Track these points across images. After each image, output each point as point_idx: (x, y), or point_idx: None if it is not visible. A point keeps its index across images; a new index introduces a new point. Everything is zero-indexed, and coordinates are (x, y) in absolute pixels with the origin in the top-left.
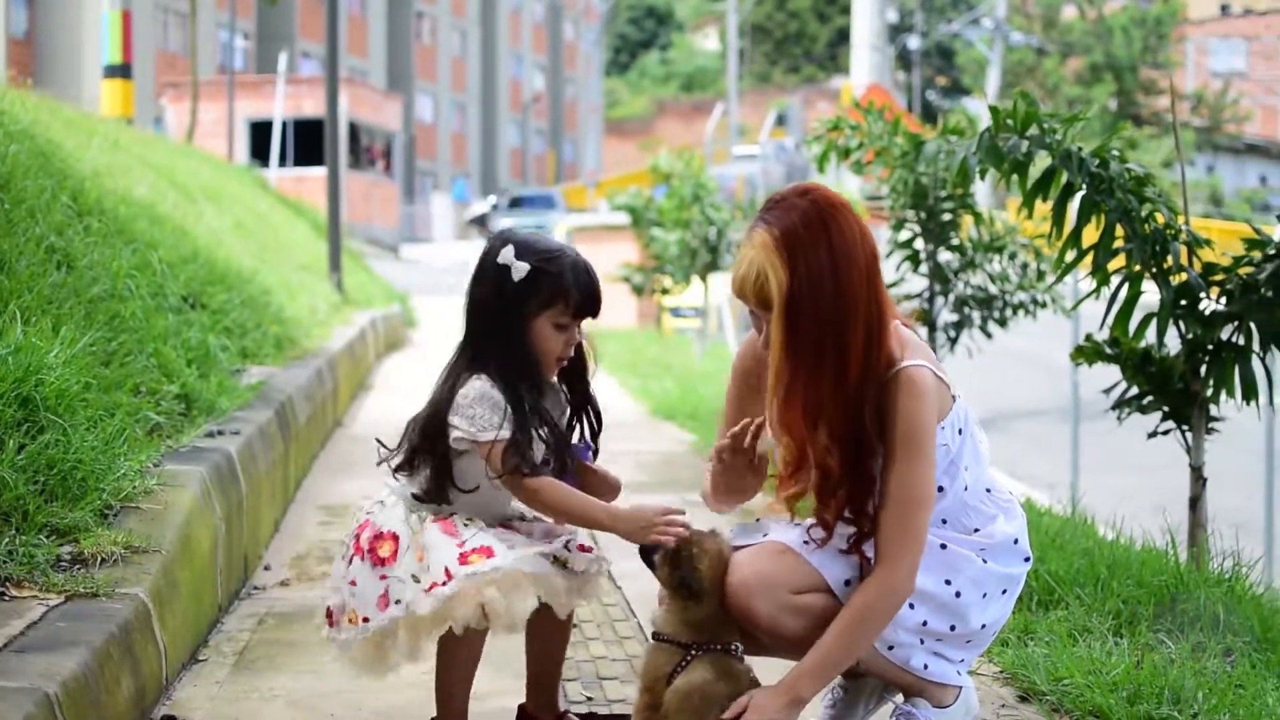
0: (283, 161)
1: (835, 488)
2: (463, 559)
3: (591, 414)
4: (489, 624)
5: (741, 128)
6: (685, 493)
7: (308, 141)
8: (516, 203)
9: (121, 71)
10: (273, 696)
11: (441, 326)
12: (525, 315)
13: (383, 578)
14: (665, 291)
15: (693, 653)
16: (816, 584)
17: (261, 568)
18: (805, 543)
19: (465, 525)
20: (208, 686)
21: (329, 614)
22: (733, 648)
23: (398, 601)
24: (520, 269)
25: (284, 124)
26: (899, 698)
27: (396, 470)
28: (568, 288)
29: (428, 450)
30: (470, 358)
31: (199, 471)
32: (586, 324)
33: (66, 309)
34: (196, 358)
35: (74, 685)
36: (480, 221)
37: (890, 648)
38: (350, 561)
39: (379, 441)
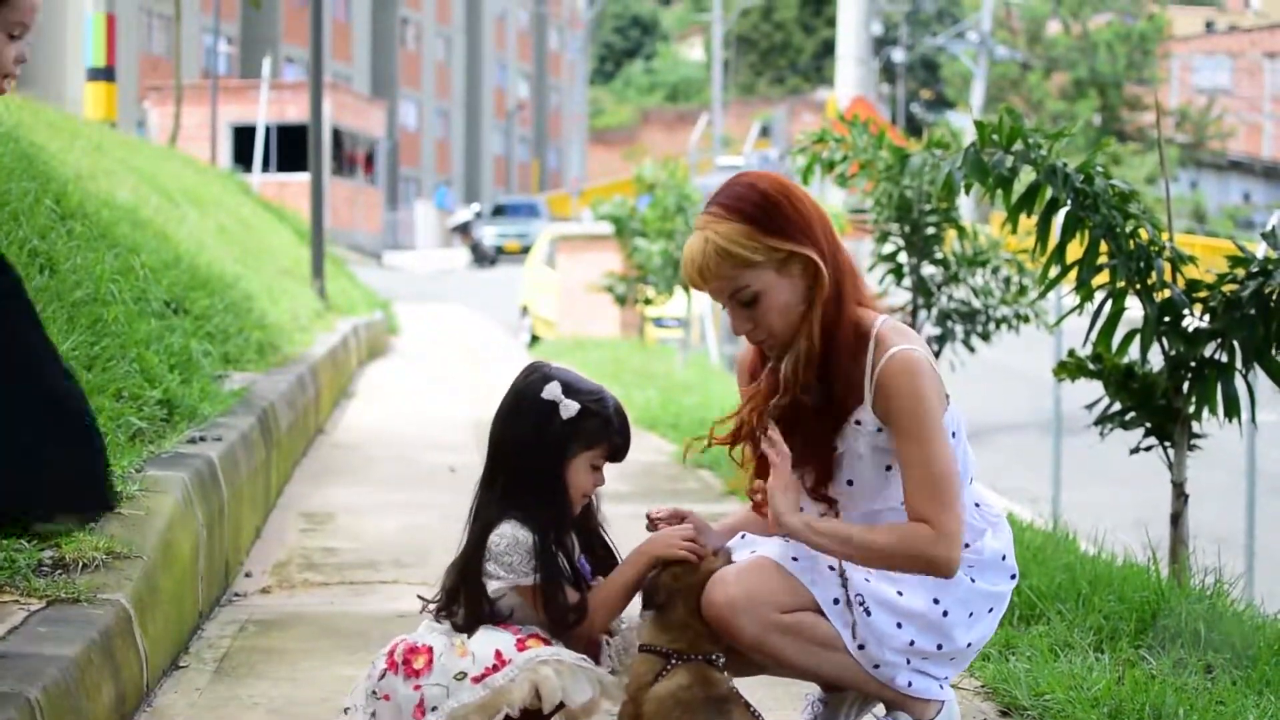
0: (266, 166)
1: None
2: (520, 645)
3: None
4: (540, 705)
5: (725, 138)
6: (666, 501)
7: (291, 147)
8: (500, 210)
9: (105, 74)
10: (253, 704)
11: (424, 333)
12: (567, 454)
13: (416, 688)
14: (648, 302)
15: (673, 661)
16: (805, 603)
17: (243, 574)
18: (794, 559)
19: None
20: (188, 693)
21: None
22: (714, 658)
23: (434, 709)
24: (570, 408)
25: (267, 129)
26: (880, 709)
27: (437, 614)
28: (613, 431)
29: (467, 592)
30: (500, 496)
31: (181, 477)
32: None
33: (49, 313)
34: (179, 363)
35: (55, 691)
36: (463, 229)
37: (876, 666)
38: (382, 677)
39: (420, 597)
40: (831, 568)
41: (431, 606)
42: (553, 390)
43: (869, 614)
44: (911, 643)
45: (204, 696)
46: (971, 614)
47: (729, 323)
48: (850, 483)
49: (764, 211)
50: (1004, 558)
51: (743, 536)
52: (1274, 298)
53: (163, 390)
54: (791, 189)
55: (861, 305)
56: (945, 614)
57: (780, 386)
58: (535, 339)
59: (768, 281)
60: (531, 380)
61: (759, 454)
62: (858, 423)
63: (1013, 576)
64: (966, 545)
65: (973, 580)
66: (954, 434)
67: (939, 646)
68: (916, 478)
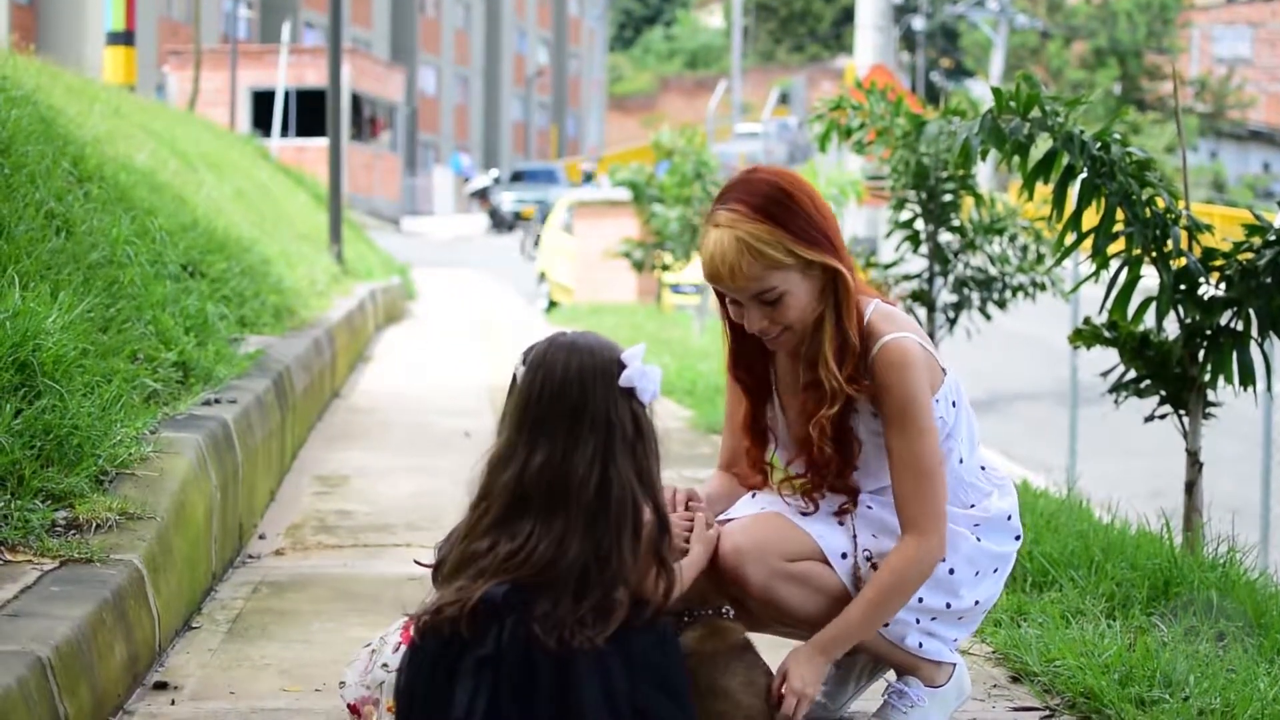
0: (284, 131)
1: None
2: None
3: None
4: None
5: (744, 105)
6: (681, 468)
7: (310, 112)
8: (518, 176)
9: (124, 38)
10: (265, 665)
11: (441, 299)
12: None
13: None
14: (665, 268)
15: (685, 618)
16: (812, 553)
17: (256, 536)
18: (803, 512)
19: None
20: (200, 654)
21: (354, 710)
22: (723, 611)
23: None
24: None
25: (286, 94)
26: (891, 675)
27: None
28: None
29: None
30: None
31: (195, 439)
32: None
33: (65, 275)
34: (195, 326)
35: (67, 650)
36: (481, 195)
37: (885, 625)
38: (397, 650)
39: (418, 562)
40: (841, 523)
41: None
42: (518, 369)
43: (875, 569)
44: (920, 600)
45: (216, 657)
46: (978, 573)
47: (737, 314)
48: (856, 467)
49: (792, 215)
50: (1009, 518)
51: (753, 495)
52: None
53: (178, 352)
54: (808, 188)
55: (859, 293)
56: (952, 571)
57: (829, 398)
58: (553, 305)
59: (793, 283)
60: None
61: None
62: (854, 410)
63: (1017, 537)
64: (971, 506)
65: (979, 540)
66: (954, 403)
67: (947, 605)
68: (900, 470)
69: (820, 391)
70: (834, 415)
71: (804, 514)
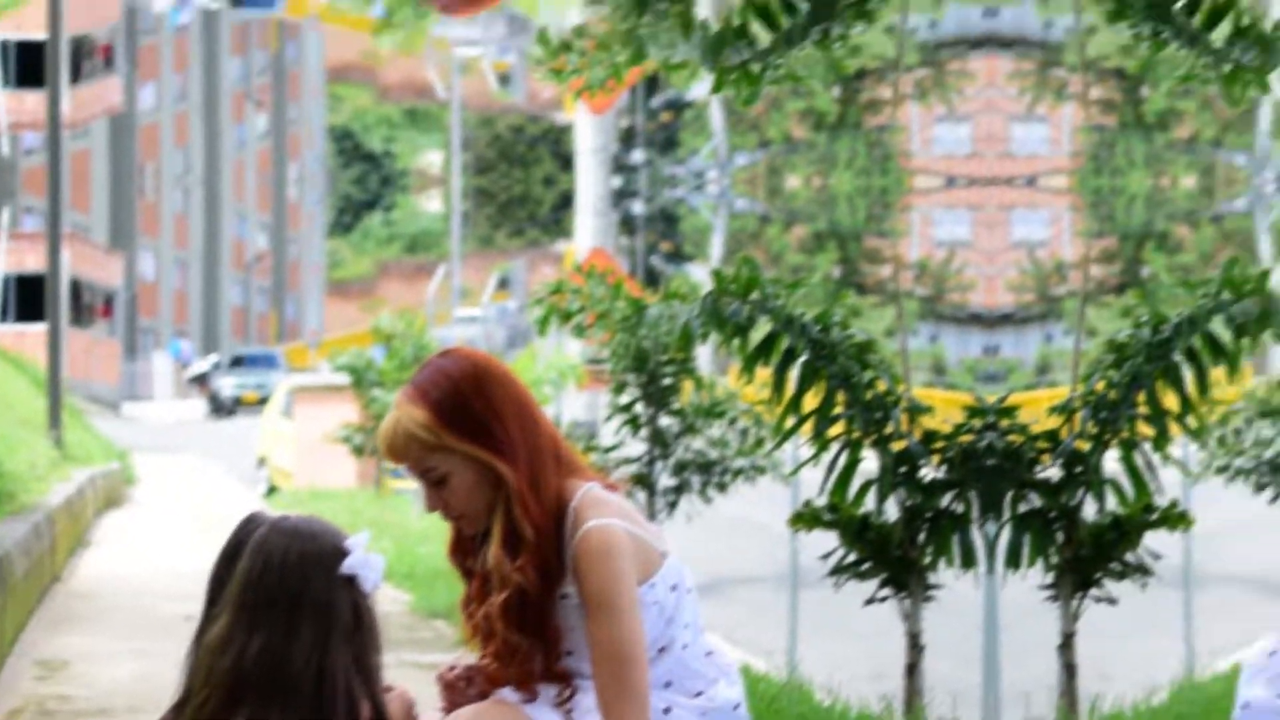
0: (4, 317)
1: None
2: None
3: None
4: None
5: (464, 290)
6: (401, 651)
7: (29, 297)
8: (238, 361)
9: None
10: None
11: (161, 484)
12: None
13: None
14: None
15: None
16: None
17: None
18: (526, 700)
19: None
20: None
21: None
22: None
23: None
24: None
25: (5, 280)
26: None
27: None
28: None
29: None
30: None
31: None
32: None
33: None
34: None
35: None
36: (201, 380)
37: None
38: None
39: None
40: (563, 709)
41: None
42: (240, 540)
43: None
44: None
45: None
46: None
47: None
48: (570, 653)
49: (452, 403)
50: (736, 707)
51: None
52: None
53: None
54: (485, 376)
55: (569, 476)
56: None
57: (498, 585)
58: (273, 489)
59: (454, 466)
60: (242, 530)
61: (492, 650)
62: (564, 596)
63: None
64: (699, 694)
65: None
66: (673, 586)
67: None
68: (600, 657)
69: (489, 579)
70: (508, 602)
71: (527, 701)
